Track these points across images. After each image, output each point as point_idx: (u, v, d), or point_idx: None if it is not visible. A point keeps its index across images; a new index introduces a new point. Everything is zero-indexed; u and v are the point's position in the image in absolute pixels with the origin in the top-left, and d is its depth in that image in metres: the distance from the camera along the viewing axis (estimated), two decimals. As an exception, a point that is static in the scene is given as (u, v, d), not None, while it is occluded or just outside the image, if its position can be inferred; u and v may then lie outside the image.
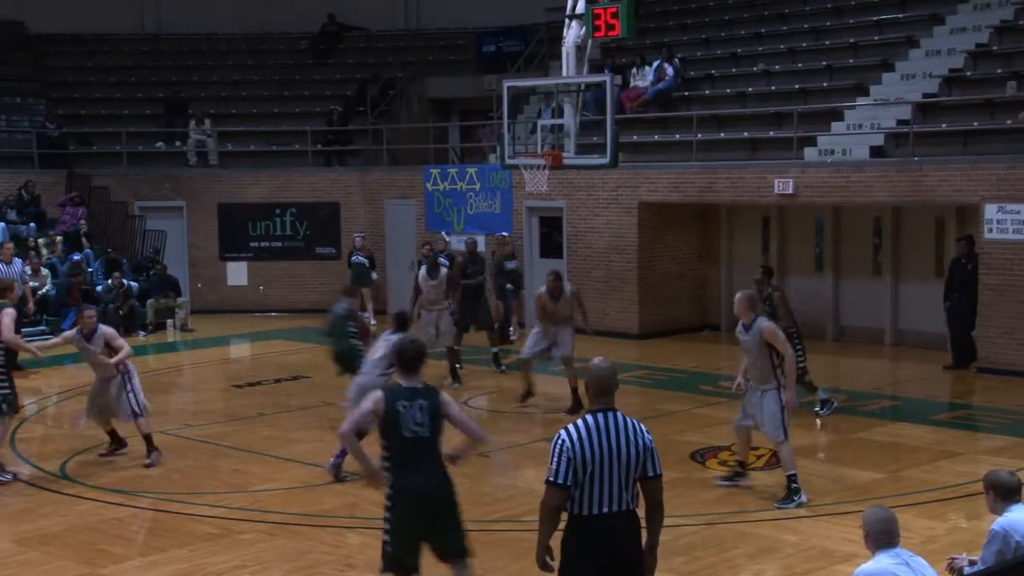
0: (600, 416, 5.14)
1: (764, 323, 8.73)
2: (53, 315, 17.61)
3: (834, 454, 10.61)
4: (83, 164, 21.29)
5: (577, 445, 5.06)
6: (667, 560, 7.69)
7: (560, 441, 5.11)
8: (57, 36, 24.05)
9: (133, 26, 24.91)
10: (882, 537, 4.81)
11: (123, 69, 24.08)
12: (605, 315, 17.23)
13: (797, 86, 17.31)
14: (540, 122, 14.42)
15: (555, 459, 5.09)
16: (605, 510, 5.10)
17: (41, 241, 18.82)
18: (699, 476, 9.67)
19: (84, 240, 19.22)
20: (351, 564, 7.66)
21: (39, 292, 17.70)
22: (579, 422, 5.15)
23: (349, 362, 10.81)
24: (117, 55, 24.47)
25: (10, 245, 15.65)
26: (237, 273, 20.75)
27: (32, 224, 19.17)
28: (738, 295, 8.93)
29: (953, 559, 5.77)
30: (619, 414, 5.18)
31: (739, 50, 19.10)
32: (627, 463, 5.10)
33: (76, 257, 18.37)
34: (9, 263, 15.17)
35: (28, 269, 17.78)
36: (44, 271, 17.99)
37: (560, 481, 5.07)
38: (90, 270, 18.59)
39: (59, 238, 19.06)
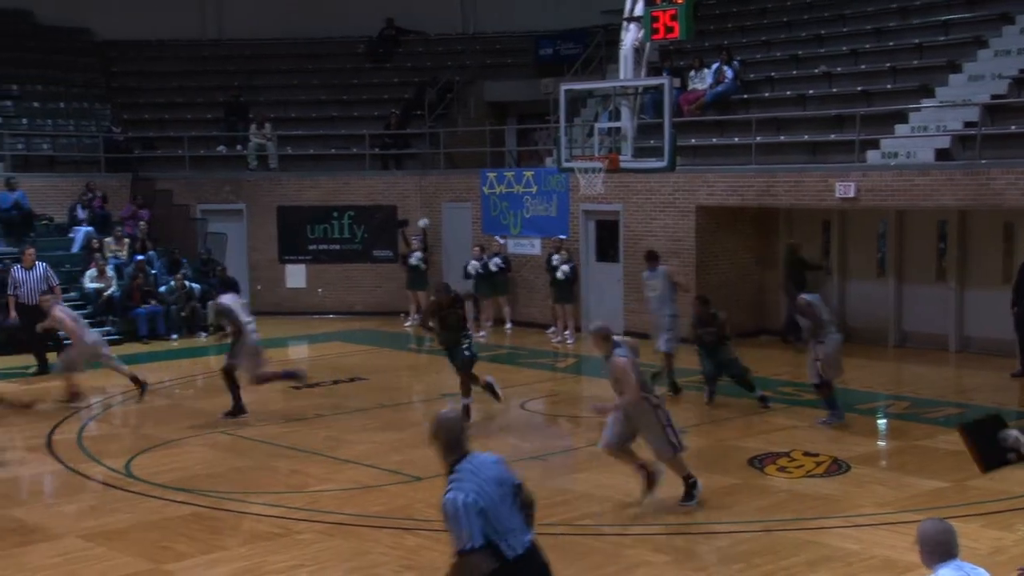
0: (465, 460, 4.87)
1: (615, 358, 8.58)
2: (118, 316, 17.96)
3: (897, 462, 10.43)
4: (147, 168, 21.70)
5: (474, 493, 4.73)
6: (724, 567, 7.63)
7: (457, 503, 4.69)
8: (122, 42, 24.54)
9: (196, 32, 25.33)
10: (940, 549, 4.70)
11: (186, 74, 24.50)
12: (662, 319, 17.13)
13: (860, 88, 17.05)
14: (597, 125, 14.39)
15: (463, 523, 4.67)
16: (524, 547, 4.86)
17: (108, 241, 19.20)
18: (756, 483, 9.56)
19: (147, 242, 19.56)
20: (408, 565, 7.68)
21: (104, 293, 18.05)
22: (456, 477, 4.80)
23: None
24: (180, 60, 24.91)
25: (31, 251, 15.58)
26: (296, 275, 20.98)
27: (92, 227, 19.52)
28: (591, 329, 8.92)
29: (1023, 570, 5.63)
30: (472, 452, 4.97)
31: (800, 52, 18.87)
32: (507, 485, 4.91)
33: (139, 258, 18.70)
34: (30, 268, 15.13)
35: (95, 270, 18.13)
36: (110, 273, 18.35)
37: (479, 544, 4.68)
38: (153, 272, 18.90)
39: (126, 240, 19.42)
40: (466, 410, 11.58)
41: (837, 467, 9.94)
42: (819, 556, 7.72)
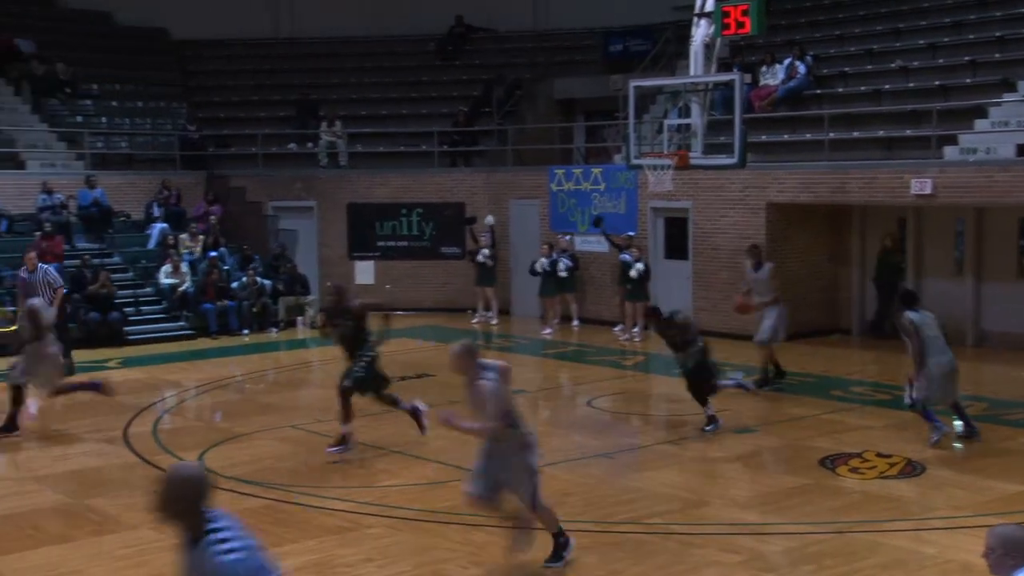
0: (212, 512, 4.23)
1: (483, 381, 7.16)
2: (191, 311, 18.32)
3: (976, 465, 10.16)
4: (221, 165, 22.11)
5: (249, 547, 4.29)
6: (795, 568, 7.51)
7: (242, 559, 4.25)
8: (198, 42, 25.03)
9: (269, 31, 25.71)
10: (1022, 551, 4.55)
11: (259, 73, 24.90)
12: (731, 318, 16.94)
13: (937, 82, 16.67)
14: (667, 122, 14.28)
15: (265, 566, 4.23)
16: None
17: (183, 237, 19.59)
18: (828, 483, 9.40)
19: (219, 238, 19.92)
20: (475, 561, 7.70)
21: (179, 289, 18.41)
22: (219, 536, 4.23)
23: None
24: (253, 59, 25.32)
25: (32, 255, 15.27)
26: (365, 272, 21.19)
27: (167, 224, 19.93)
28: (454, 349, 7.34)
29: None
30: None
31: (875, 46, 18.50)
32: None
33: (213, 254, 19.06)
34: (33, 271, 14.81)
35: (170, 266, 18.48)
36: (184, 268, 18.72)
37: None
38: (225, 268, 19.24)
39: (201, 236, 19.80)
40: (342, 439, 10.51)
41: (911, 469, 9.73)
42: (893, 559, 7.56)
